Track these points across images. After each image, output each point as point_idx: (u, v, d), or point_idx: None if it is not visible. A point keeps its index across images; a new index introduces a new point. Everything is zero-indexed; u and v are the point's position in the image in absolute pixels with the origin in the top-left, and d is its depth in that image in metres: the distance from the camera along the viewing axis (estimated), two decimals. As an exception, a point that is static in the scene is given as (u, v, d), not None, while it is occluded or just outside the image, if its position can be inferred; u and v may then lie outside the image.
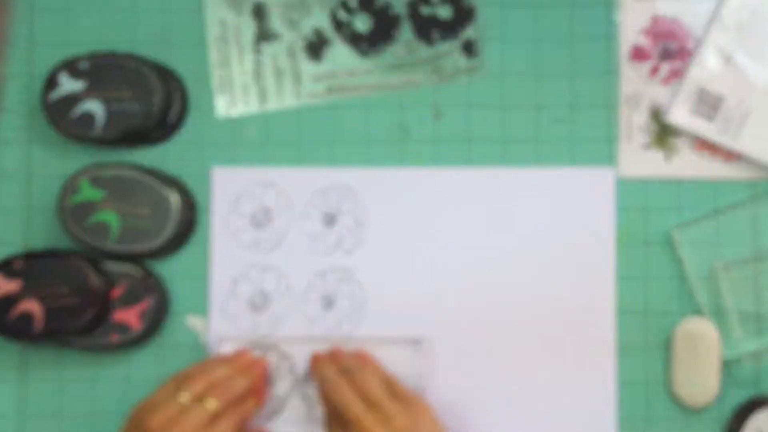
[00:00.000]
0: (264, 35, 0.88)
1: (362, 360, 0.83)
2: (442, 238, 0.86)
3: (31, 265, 0.82)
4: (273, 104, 0.88)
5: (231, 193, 0.87)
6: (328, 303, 0.86)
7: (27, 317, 0.82)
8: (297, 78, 0.87)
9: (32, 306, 0.82)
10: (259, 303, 0.86)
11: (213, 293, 0.86)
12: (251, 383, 0.82)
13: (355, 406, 0.78)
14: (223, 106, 0.88)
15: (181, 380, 0.80)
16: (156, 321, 0.85)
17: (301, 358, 0.85)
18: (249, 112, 0.88)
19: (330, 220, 0.87)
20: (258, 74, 0.87)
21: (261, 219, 0.87)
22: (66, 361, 0.87)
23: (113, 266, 0.84)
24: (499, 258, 0.86)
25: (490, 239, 0.86)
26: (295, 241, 0.86)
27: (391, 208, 0.87)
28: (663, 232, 0.86)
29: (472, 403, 0.86)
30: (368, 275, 0.86)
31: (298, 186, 0.86)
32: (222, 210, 0.87)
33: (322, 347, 0.85)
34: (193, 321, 0.86)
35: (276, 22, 0.88)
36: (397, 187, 0.87)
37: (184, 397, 0.78)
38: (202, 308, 0.87)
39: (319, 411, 0.85)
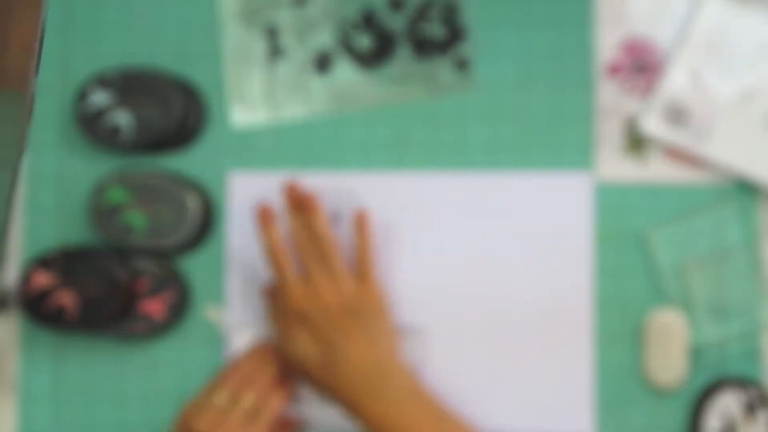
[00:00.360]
0: (275, 51, 0.89)
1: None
2: (436, 237, 0.87)
3: (66, 261, 0.85)
4: (284, 115, 0.89)
5: (245, 196, 0.88)
6: None
7: (62, 308, 0.84)
8: (305, 91, 0.88)
9: (66, 298, 0.84)
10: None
11: (230, 286, 0.87)
12: (278, 370, 0.84)
13: (316, 266, 0.82)
14: (238, 117, 0.89)
15: (217, 382, 0.83)
16: (178, 312, 0.87)
17: None
18: (262, 122, 0.89)
19: (334, 221, 0.87)
20: (270, 87, 0.89)
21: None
22: (96, 349, 0.88)
23: (139, 262, 0.86)
24: (488, 255, 0.87)
25: (480, 238, 0.87)
26: None
27: (390, 209, 0.88)
28: (637, 231, 0.87)
29: (463, 388, 0.87)
30: None
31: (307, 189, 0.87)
32: (237, 211, 0.88)
33: None
34: (212, 312, 0.88)
35: (287, 39, 0.89)
36: (396, 189, 0.88)
37: (222, 397, 0.82)
38: (219, 300, 0.88)
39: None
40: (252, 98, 0.89)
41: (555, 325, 0.87)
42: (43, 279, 0.85)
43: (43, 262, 0.85)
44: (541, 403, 0.87)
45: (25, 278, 0.85)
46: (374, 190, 0.88)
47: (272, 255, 0.83)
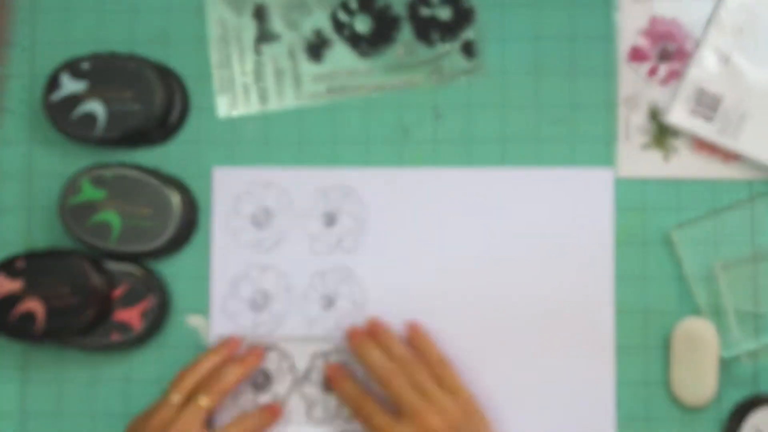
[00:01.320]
0: (264, 36, 0.88)
1: (410, 346, 0.83)
2: (442, 238, 0.86)
3: (33, 265, 0.82)
4: (273, 105, 0.88)
5: (231, 193, 0.87)
6: (329, 303, 0.86)
7: (29, 317, 0.82)
8: (297, 78, 0.87)
9: (34, 305, 0.82)
10: (259, 302, 0.86)
11: (213, 293, 0.86)
12: (245, 372, 0.82)
13: (410, 395, 0.79)
14: (224, 107, 0.88)
15: (172, 383, 0.81)
16: (157, 321, 0.85)
17: (300, 357, 0.85)
18: (249, 113, 0.88)
19: (330, 220, 0.87)
20: (258, 75, 0.87)
21: (261, 219, 0.86)
22: (67, 360, 0.86)
23: (114, 266, 0.84)
24: (499, 258, 0.86)
25: (490, 239, 0.86)
26: (296, 241, 0.86)
27: (391, 207, 0.87)
28: (662, 232, 0.85)
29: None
30: (368, 275, 0.86)
31: (299, 186, 0.86)
32: (222, 210, 0.87)
33: (322, 347, 0.85)
34: (194, 320, 0.86)
35: (276, 22, 0.88)
36: (397, 186, 0.87)
37: (176, 398, 0.79)
38: (202, 308, 0.86)
39: (318, 411, 0.85)
40: (239, 87, 0.88)
41: (573, 335, 0.86)
42: (8, 285, 0.82)
43: (8, 266, 0.83)
44: (557, 420, 0.85)
45: None
46: (372, 188, 0.87)
47: (358, 406, 0.81)
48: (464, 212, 0.86)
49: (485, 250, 0.86)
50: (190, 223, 0.86)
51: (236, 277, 0.86)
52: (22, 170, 0.88)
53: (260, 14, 0.88)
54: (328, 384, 0.84)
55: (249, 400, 0.85)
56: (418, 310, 0.86)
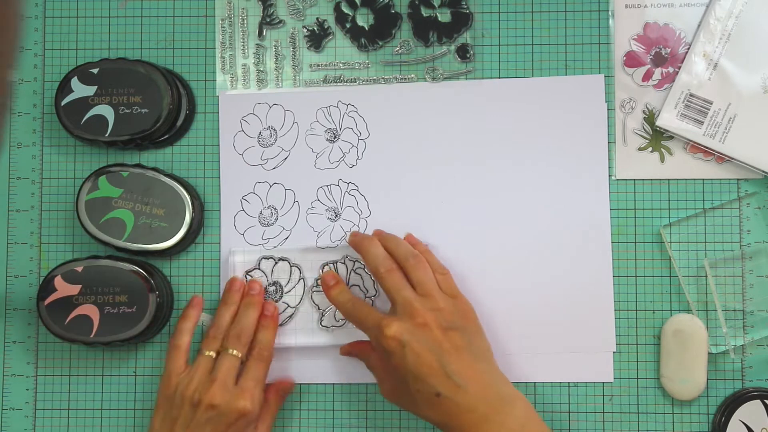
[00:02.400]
0: (268, 21, 0.88)
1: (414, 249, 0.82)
2: (441, 151, 0.86)
3: (90, 271, 0.84)
4: (271, 89, 0.87)
5: (237, 116, 0.87)
6: (335, 215, 0.86)
7: (85, 320, 0.83)
8: (296, 66, 0.87)
9: (90, 310, 0.83)
10: (268, 217, 0.87)
11: (224, 210, 0.86)
12: (258, 311, 0.83)
13: (406, 290, 0.78)
14: (223, 85, 0.88)
15: (200, 346, 0.82)
16: (163, 318, 0.85)
17: (310, 268, 0.86)
18: (247, 92, 0.87)
19: (333, 136, 0.87)
20: (259, 58, 0.87)
21: (267, 138, 0.87)
22: (76, 356, 0.87)
23: (124, 263, 0.84)
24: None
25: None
26: (301, 158, 0.87)
27: (391, 122, 0.87)
28: (654, 230, 0.85)
29: None
30: (372, 187, 0.86)
31: (302, 106, 0.87)
32: (229, 132, 0.87)
33: (330, 257, 0.86)
34: (200, 317, 0.86)
35: (282, 8, 0.88)
36: (397, 101, 0.86)
37: (211, 353, 0.81)
38: (207, 304, 0.86)
39: (329, 318, 0.85)
40: (239, 68, 0.88)
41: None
42: (67, 289, 0.84)
43: (68, 272, 0.84)
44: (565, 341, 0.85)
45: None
46: (373, 104, 0.87)
47: (350, 308, 0.81)
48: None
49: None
50: (199, 225, 0.86)
51: (245, 195, 0.87)
52: (34, 172, 0.88)
53: (265, 3, 0.88)
54: (324, 292, 0.83)
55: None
56: (421, 220, 0.86)
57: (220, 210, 0.87)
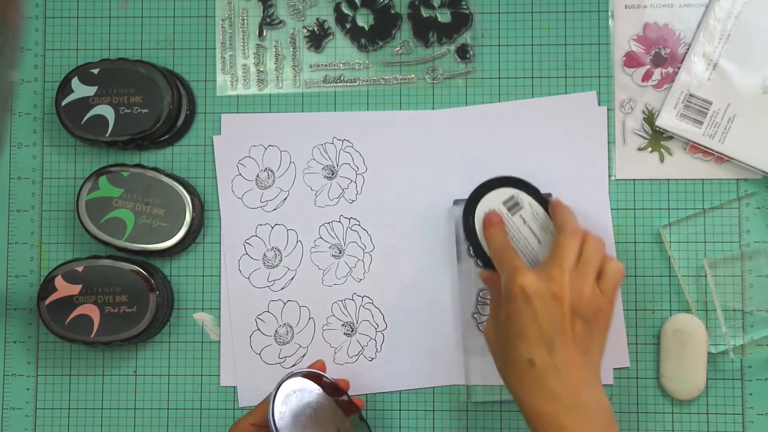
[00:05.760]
0: (269, 21, 0.88)
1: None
2: (437, 178, 0.86)
3: (90, 271, 0.84)
4: (271, 89, 0.88)
5: (234, 160, 0.86)
6: (339, 252, 0.86)
7: (85, 320, 0.83)
8: (296, 66, 0.88)
9: (90, 310, 0.83)
10: (272, 259, 0.86)
11: (225, 256, 0.86)
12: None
13: (570, 258, 0.73)
14: (224, 86, 0.88)
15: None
16: (164, 317, 0.85)
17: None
18: (247, 93, 0.88)
19: (331, 173, 0.87)
20: (259, 58, 0.88)
21: (265, 180, 0.87)
22: (76, 356, 0.87)
23: (124, 262, 0.84)
24: None
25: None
26: (300, 197, 0.86)
27: (388, 152, 0.86)
28: (654, 229, 0.85)
29: None
30: (371, 221, 0.86)
31: (298, 145, 0.87)
32: (226, 176, 0.87)
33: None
34: (200, 317, 0.87)
35: (282, 9, 0.88)
36: (393, 131, 0.86)
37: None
38: (208, 305, 0.87)
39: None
40: (239, 68, 0.88)
41: None
42: (68, 289, 0.84)
43: (69, 272, 0.84)
44: None
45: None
46: (370, 136, 0.87)
47: (500, 249, 0.77)
48: (461, 146, 0.86)
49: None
50: (199, 225, 0.86)
51: (247, 238, 0.86)
52: (35, 172, 0.88)
53: (266, 3, 0.88)
54: (484, 227, 0.79)
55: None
56: (425, 251, 0.85)
57: (221, 252, 0.86)
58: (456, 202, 0.85)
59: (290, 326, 0.86)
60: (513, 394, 0.73)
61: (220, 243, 0.87)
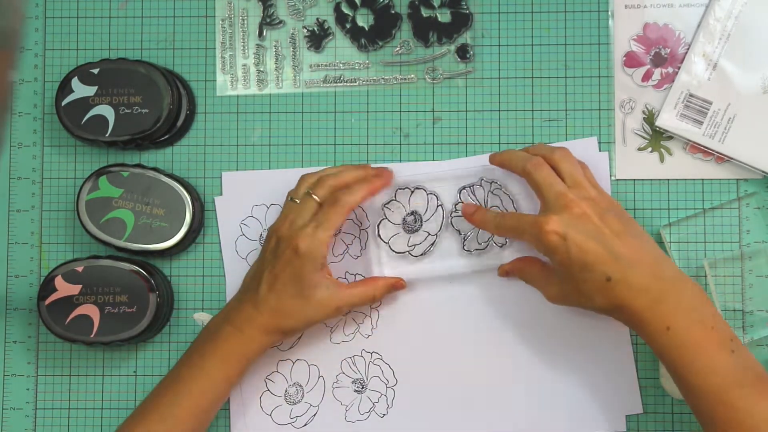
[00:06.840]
0: (268, 21, 0.88)
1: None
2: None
3: (90, 271, 0.84)
4: (271, 89, 0.88)
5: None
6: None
7: (85, 320, 0.83)
8: (296, 66, 0.88)
9: (90, 310, 0.83)
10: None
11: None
12: (360, 176, 0.82)
13: (557, 183, 0.77)
14: (224, 86, 0.88)
15: (313, 184, 0.81)
16: (163, 317, 0.85)
17: (447, 196, 0.85)
18: (248, 93, 0.88)
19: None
20: (259, 58, 0.88)
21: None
22: (76, 356, 0.87)
23: (124, 262, 0.84)
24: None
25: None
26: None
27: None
28: (654, 229, 0.85)
29: (481, 390, 0.85)
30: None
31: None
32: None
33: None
34: (199, 317, 0.87)
35: (282, 8, 0.88)
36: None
37: (294, 198, 0.81)
38: (207, 304, 0.87)
39: (468, 243, 0.84)
40: (239, 69, 0.88)
41: (575, 328, 0.85)
42: (67, 289, 0.84)
43: (69, 272, 0.85)
44: (559, 408, 0.85)
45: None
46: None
47: (500, 222, 0.79)
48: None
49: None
50: (199, 225, 0.87)
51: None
52: (34, 172, 0.88)
53: (266, 3, 0.88)
54: (468, 220, 0.82)
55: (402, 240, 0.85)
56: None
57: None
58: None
59: (300, 386, 0.86)
60: (610, 312, 0.75)
61: (219, 243, 0.87)
